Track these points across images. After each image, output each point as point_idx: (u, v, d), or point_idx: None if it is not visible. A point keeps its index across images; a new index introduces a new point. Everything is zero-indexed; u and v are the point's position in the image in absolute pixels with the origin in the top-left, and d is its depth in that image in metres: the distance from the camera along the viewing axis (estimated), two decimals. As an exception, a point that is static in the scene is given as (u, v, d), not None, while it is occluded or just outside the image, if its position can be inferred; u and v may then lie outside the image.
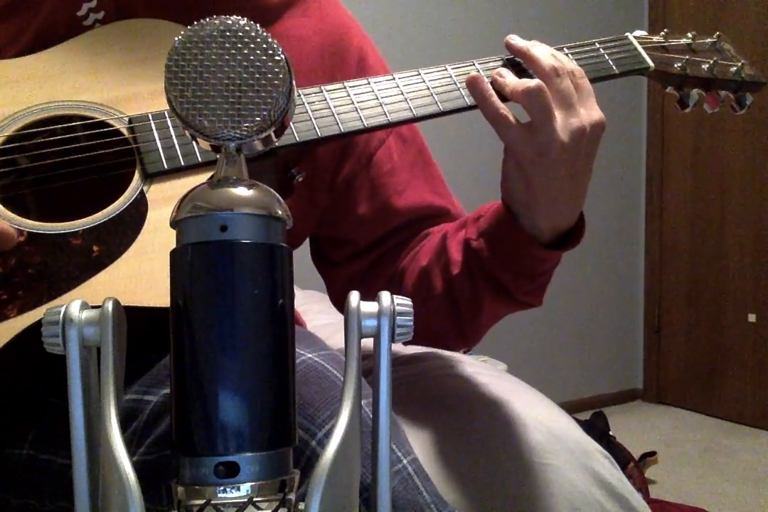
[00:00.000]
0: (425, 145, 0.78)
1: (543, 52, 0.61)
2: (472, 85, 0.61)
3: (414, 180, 0.74)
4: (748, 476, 2.18)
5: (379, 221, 0.73)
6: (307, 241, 0.79)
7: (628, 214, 2.96)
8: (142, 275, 0.51)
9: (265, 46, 0.29)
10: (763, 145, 2.55)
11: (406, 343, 0.82)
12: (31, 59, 0.61)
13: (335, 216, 0.74)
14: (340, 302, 0.80)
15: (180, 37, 0.29)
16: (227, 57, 0.28)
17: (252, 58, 0.28)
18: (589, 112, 0.60)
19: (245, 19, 0.29)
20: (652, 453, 2.16)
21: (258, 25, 0.29)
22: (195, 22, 0.29)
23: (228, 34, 0.29)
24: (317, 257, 0.79)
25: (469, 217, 0.68)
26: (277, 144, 0.58)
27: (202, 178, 0.57)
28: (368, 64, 0.74)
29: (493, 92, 0.61)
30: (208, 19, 0.29)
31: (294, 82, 0.30)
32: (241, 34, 0.29)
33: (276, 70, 0.29)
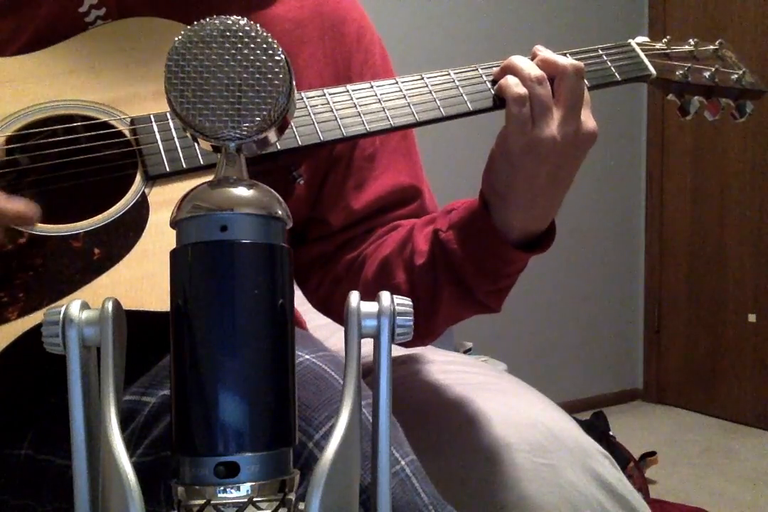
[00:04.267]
0: (411, 132, 0.77)
1: (564, 59, 0.61)
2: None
3: (393, 164, 0.74)
4: (748, 476, 2.18)
5: (354, 204, 0.72)
6: None
7: (628, 214, 2.96)
8: (144, 278, 0.51)
9: (265, 46, 0.29)
10: (763, 145, 2.55)
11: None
12: (32, 57, 0.61)
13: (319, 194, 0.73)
14: (302, 283, 0.78)
15: (180, 37, 0.29)
16: (227, 57, 0.28)
17: (252, 58, 0.28)
18: (586, 120, 0.60)
19: (245, 19, 0.29)
20: (652, 453, 2.16)
21: (258, 25, 0.29)
22: (195, 21, 0.29)
23: (228, 34, 0.29)
24: (290, 236, 0.78)
25: (440, 211, 0.68)
26: (279, 147, 0.58)
27: (204, 180, 0.56)
28: (364, 44, 0.74)
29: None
30: (208, 19, 0.29)
31: (294, 82, 0.30)
32: (241, 34, 0.29)
33: (276, 70, 0.29)
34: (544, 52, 0.62)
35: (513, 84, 0.60)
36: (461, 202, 0.66)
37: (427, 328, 0.70)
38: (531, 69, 0.60)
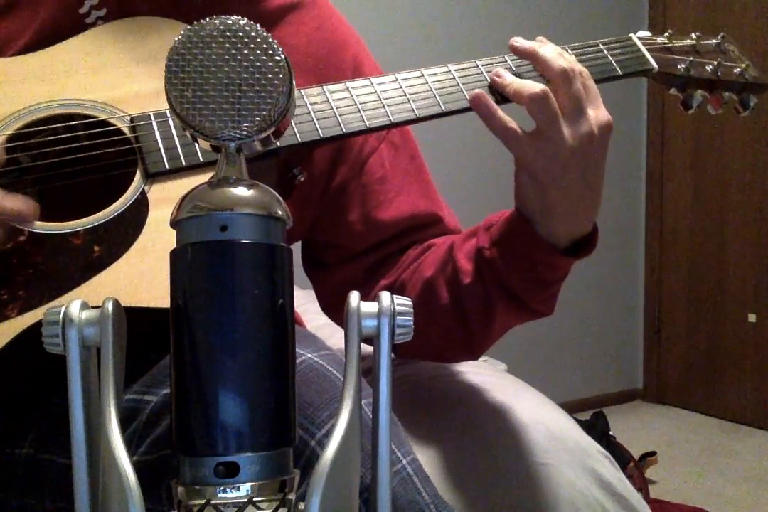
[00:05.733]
0: (417, 151, 0.77)
1: (552, 53, 0.60)
2: (476, 101, 0.60)
3: (405, 187, 0.73)
4: (748, 476, 2.18)
5: (371, 229, 0.72)
6: (297, 244, 0.78)
7: (628, 214, 2.96)
8: (143, 275, 0.51)
9: (265, 46, 0.29)
10: (764, 145, 2.55)
11: (405, 358, 0.80)
12: (33, 57, 0.61)
13: (328, 222, 0.73)
14: (329, 309, 0.78)
15: (180, 37, 0.29)
16: (227, 57, 0.28)
17: (252, 58, 0.28)
18: (597, 114, 0.59)
19: (245, 19, 0.29)
20: (652, 453, 2.16)
21: (258, 24, 0.29)
22: (195, 22, 0.29)
23: (228, 34, 0.29)
24: (308, 260, 0.78)
25: (479, 226, 0.67)
26: (279, 144, 0.58)
27: (204, 178, 0.56)
28: (364, 73, 0.73)
29: (497, 107, 0.60)
30: (208, 19, 0.29)
31: (294, 82, 0.30)
32: (241, 34, 0.29)
33: (276, 70, 0.29)
34: (544, 48, 0.61)
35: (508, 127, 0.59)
36: (498, 215, 0.66)
37: (480, 342, 0.69)
38: (523, 88, 0.59)
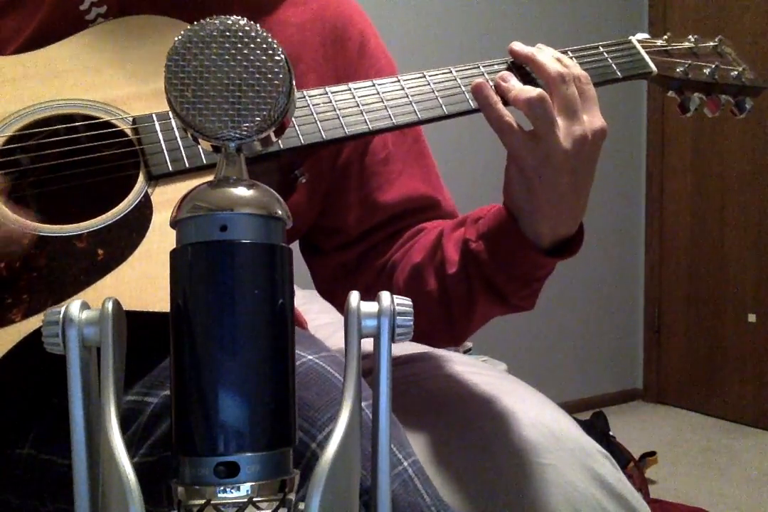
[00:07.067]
0: (422, 136, 0.78)
1: (548, 58, 0.62)
2: (477, 91, 0.61)
3: (407, 169, 0.74)
4: (748, 476, 2.17)
5: (370, 210, 0.73)
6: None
7: (628, 214, 2.96)
8: (148, 279, 0.51)
9: (265, 46, 0.29)
10: (763, 145, 2.55)
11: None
12: (33, 56, 0.61)
13: (328, 203, 0.73)
14: (325, 292, 0.80)
15: (180, 37, 0.29)
16: (227, 57, 0.28)
17: (252, 58, 0.28)
18: (592, 120, 0.60)
19: (245, 19, 0.29)
20: (652, 453, 2.16)
21: (258, 25, 0.29)
22: (195, 21, 0.29)
23: (228, 34, 0.29)
24: (305, 245, 0.79)
25: (468, 216, 0.68)
26: (282, 146, 0.58)
27: (207, 179, 0.56)
28: (369, 49, 0.74)
29: (497, 99, 0.61)
30: (208, 19, 0.29)
31: (294, 82, 0.30)
32: (241, 34, 0.29)
33: (276, 70, 0.29)
34: (541, 53, 0.62)
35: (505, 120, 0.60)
36: (487, 208, 0.66)
37: (461, 329, 0.72)
38: (521, 93, 0.60)
